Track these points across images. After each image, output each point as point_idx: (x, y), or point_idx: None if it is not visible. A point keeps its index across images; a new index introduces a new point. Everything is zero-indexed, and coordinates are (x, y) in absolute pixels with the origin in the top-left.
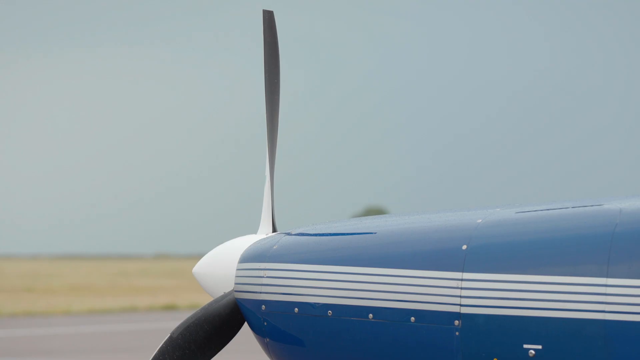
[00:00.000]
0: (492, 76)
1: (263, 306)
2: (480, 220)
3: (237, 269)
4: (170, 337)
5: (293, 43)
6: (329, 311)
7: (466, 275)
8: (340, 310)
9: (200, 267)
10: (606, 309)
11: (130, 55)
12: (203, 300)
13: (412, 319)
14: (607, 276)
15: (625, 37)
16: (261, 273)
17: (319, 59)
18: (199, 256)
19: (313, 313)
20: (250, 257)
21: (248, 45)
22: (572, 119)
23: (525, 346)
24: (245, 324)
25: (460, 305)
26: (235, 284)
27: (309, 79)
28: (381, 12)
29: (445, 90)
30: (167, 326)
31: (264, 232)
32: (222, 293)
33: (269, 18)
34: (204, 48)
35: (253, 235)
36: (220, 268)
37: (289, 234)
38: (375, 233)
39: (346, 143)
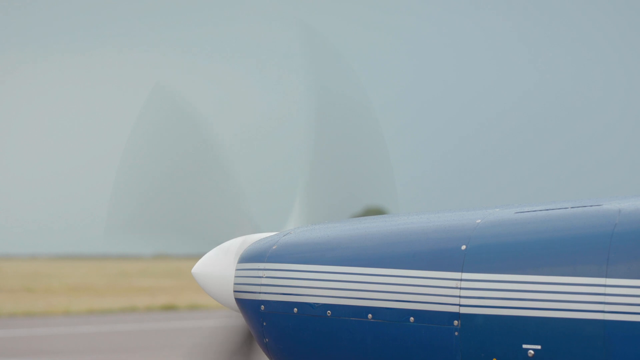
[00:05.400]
0: (493, 78)
1: (262, 306)
2: (480, 221)
3: (237, 269)
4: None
5: (294, 44)
6: (328, 311)
7: (465, 276)
8: (340, 310)
9: (200, 268)
10: (605, 309)
11: (132, 58)
12: (203, 300)
13: (412, 319)
14: (606, 276)
15: (625, 38)
16: (260, 273)
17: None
18: (198, 256)
19: (312, 313)
20: (250, 257)
21: (249, 47)
22: (572, 120)
23: (524, 346)
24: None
25: (460, 305)
26: (235, 284)
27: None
28: (383, 12)
29: (446, 92)
30: (166, 326)
31: (292, 226)
32: (221, 293)
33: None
34: (204, 50)
35: (252, 235)
36: (219, 268)
37: (288, 234)
38: (374, 233)
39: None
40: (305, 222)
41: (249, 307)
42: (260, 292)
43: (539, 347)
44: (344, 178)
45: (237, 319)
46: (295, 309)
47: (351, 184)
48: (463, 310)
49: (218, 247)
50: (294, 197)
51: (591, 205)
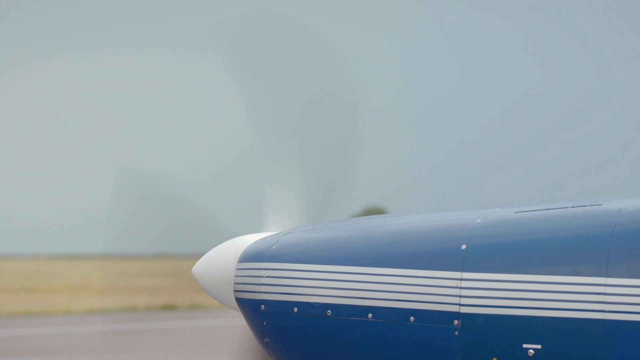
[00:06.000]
0: (493, 78)
1: (262, 306)
2: (480, 220)
3: (237, 269)
4: None
5: (289, 40)
6: (329, 311)
7: (465, 275)
8: (340, 310)
9: (200, 267)
10: (605, 309)
11: (132, 59)
12: (203, 300)
13: (412, 318)
14: (606, 276)
15: (625, 39)
16: (260, 273)
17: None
18: (198, 256)
19: (312, 313)
20: (250, 256)
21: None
22: (572, 120)
23: (524, 346)
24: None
25: (460, 305)
26: (235, 283)
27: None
28: (384, 11)
29: (446, 93)
30: (166, 326)
31: (273, 230)
32: (221, 292)
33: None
34: (204, 52)
35: (252, 235)
36: (219, 268)
37: (288, 233)
38: (375, 233)
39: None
40: (303, 222)
41: (249, 306)
42: (260, 292)
43: (539, 346)
44: (344, 178)
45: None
46: (296, 309)
47: (350, 183)
48: (463, 309)
49: (218, 246)
50: (267, 198)
51: (591, 205)
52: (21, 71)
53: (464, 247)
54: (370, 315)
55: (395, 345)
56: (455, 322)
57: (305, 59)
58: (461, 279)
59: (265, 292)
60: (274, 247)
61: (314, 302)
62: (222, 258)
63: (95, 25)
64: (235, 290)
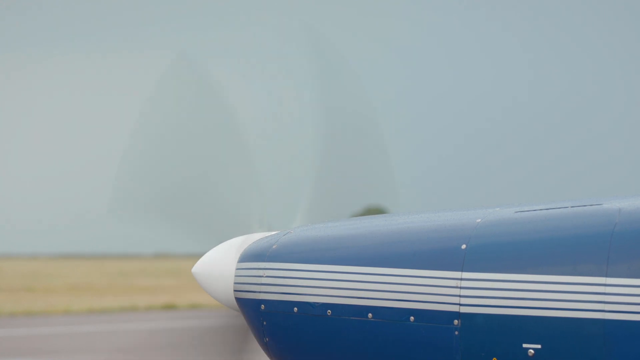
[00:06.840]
0: (493, 78)
1: (262, 306)
2: (480, 220)
3: (237, 269)
4: None
5: (293, 43)
6: (329, 311)
7: (465, 275)
8: (340, 309)
9: (200, 267)
10: (605, 309)
11: (132, 59)
12: (203, 300)
13: (412, 318)
14: (606, 275)
15: (624, 39)
16: (260, 272)
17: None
18: (198, 256)
19: (312, 312)
20: (250, 256)
21: (252, 50)
22: (572, 120)
23: (524, 345)
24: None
25: (460, 304)
26: (235, 283)
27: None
28: (384, 10)
29: (446, 93)
30: (166, 326)
31: (260, 231)
32: (221, 292)
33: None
34: (208, 54)
35: (252, 235)
36: (219, 267)
37: (288, 233)
38: (374, 232)
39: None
40: (306, 222)
41: (249, 306)
42: (260, 292)
43: (539, 346)
44: (346, 178)
45: (235, 319)
46: (296, 308)
47: (353, 184)
48: (463, 309)
49: (218, 246)
50: (301, 197)
51: (591, 205)
52: (21, 72)
53: (464, 247)
54: (370, 315)
55: (395, 345)
56: (455, 322)
57: (307, 62)
58: (461, 279)
59: (265, 292)
60: (274, 247)
61: (314, 302)
62: (222, 258)
63: (95, 27)
64: (235, 290)
